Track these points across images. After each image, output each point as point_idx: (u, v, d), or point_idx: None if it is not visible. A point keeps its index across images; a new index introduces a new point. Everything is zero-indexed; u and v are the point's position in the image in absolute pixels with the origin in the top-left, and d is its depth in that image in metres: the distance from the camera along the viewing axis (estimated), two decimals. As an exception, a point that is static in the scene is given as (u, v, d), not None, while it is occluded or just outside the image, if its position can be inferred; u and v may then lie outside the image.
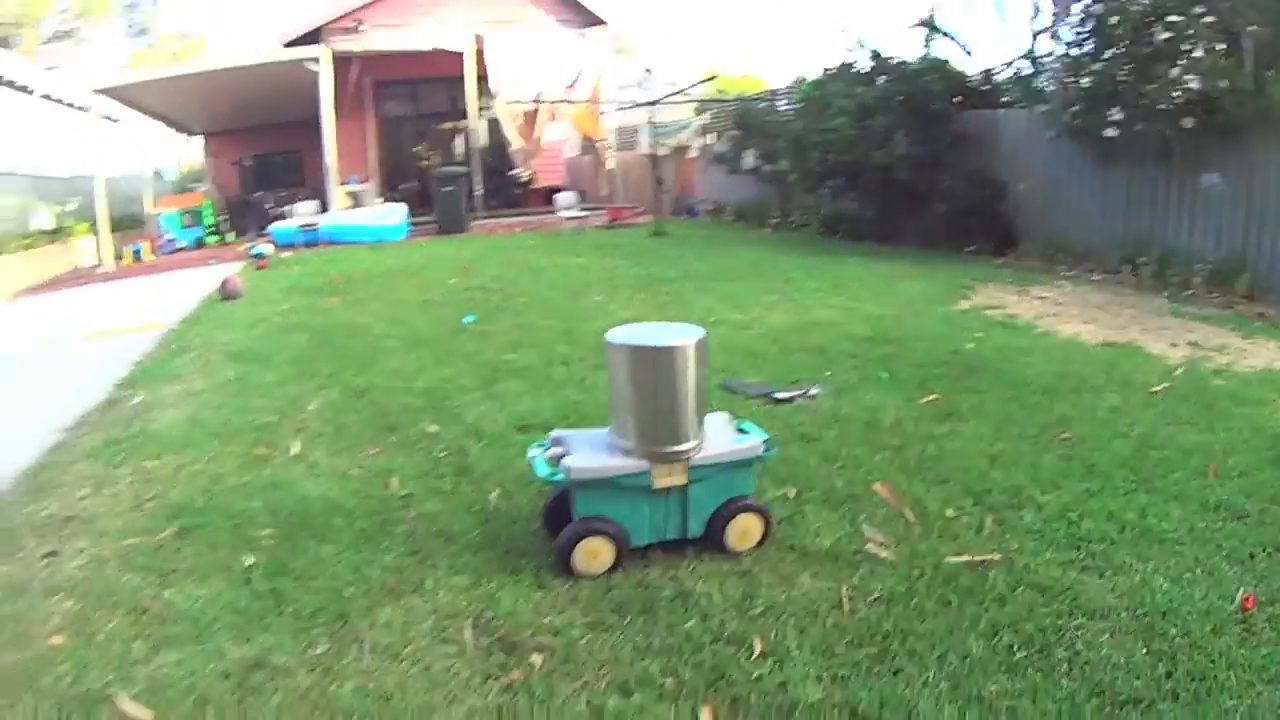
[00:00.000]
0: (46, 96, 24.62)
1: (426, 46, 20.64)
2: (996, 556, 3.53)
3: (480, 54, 20.70)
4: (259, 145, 28.42)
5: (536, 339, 7.62)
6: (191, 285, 13.34)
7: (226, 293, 11.17)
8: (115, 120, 26.65)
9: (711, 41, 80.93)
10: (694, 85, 24.92)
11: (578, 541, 3.37)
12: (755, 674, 2.78)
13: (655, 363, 3.35)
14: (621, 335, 3.46)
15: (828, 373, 6.27)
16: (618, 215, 19.98)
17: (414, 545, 3.78)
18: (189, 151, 36.45)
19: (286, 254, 16.71)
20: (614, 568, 3.40)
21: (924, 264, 12.00)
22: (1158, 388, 6.06)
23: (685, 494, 3.45)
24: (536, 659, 2.90)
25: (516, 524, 3.93)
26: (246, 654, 3.01)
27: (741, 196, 19.87)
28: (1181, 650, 2.94)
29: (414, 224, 19.73)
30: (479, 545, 3.75)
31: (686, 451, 3.39)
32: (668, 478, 3.38)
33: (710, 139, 21.19)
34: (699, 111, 22.31)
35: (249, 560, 3.70)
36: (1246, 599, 3.30)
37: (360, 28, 20.66)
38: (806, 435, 4.99)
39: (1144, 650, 2.94)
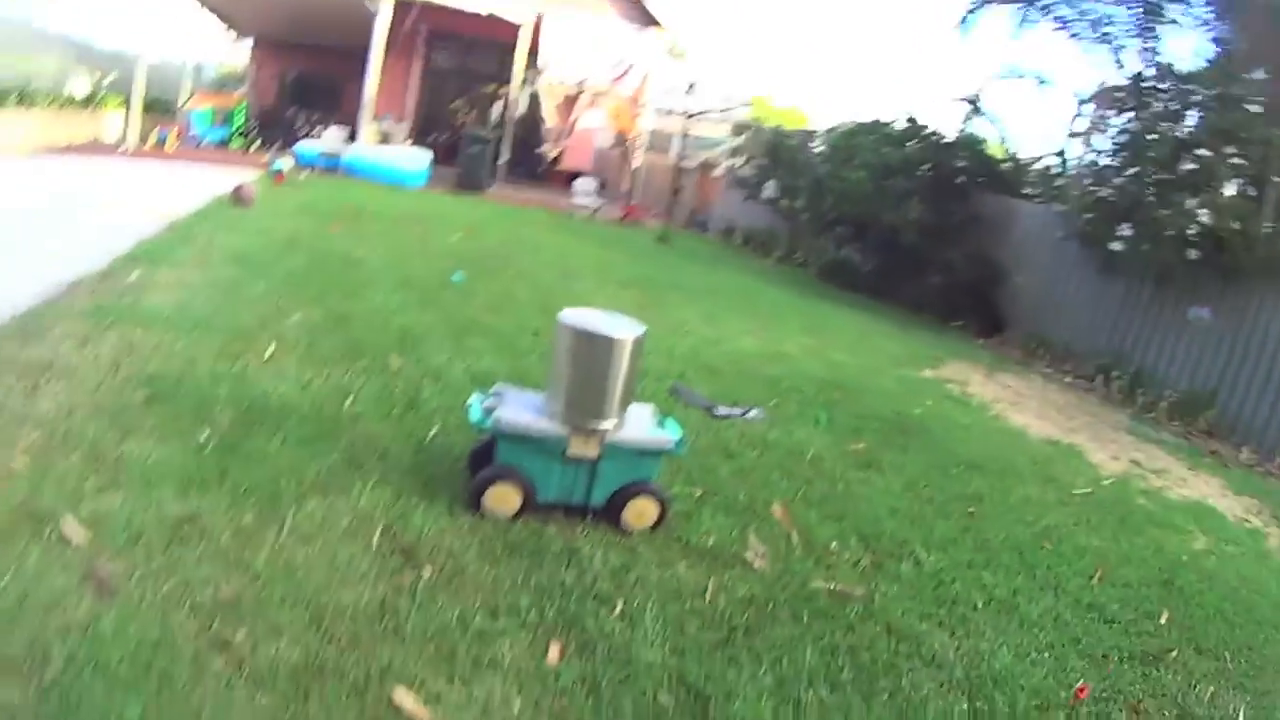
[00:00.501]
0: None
1: (484, 11, 20.94)
2: (860, 592, 3.88)
3: (537, 29, 20.99)
4: (304, 63, 28.55)
5: (515, 308, 8.01)
6: (207, 183, 13.67)
7: (239, 199, 11.52)
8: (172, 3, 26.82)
9: (768, 68, 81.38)
10: (735, 107, 25.32)
11: (490, 484, 3.79)
12: (608, 629, 3.18)
13: (593, 347, 3.77)
14: (572, 317, 3.88)
15: (773, 402, 6.60)
16: (631, 213, 20.34)
17: (351, 456, 4.19)
18: (233, 53, 36.47)
19: (305, 175, 17.03)
20: (518, 515, 3.81)
21: (906, 328, 12.37)
22: (1080, 491, 6.30)
23: (595, 467, 3.86)
24: (427, 570, 3.32)
25: (446, 460, 4.34)
26: (182, 510, 3.41)
27: (754, 223, 20.25)
28: (1001, 715, 3.22)
29: (434, 174, 19.99)
30: (408, 469, 4.17)
31: (603, 429, 3.81)
32: (582, 448, 3.80)
33: (738, 162, 21.59)
34: (734, 133, 22.69)
35: (204, 434, 4.10)
36: (1081, 689, 3.55)
37: None
38: (729, 450, 5.34)
39: (964, 705, 3.22)
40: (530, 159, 23.32)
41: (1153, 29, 13.30)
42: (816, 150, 18.35)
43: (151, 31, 21.45)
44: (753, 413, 6.17)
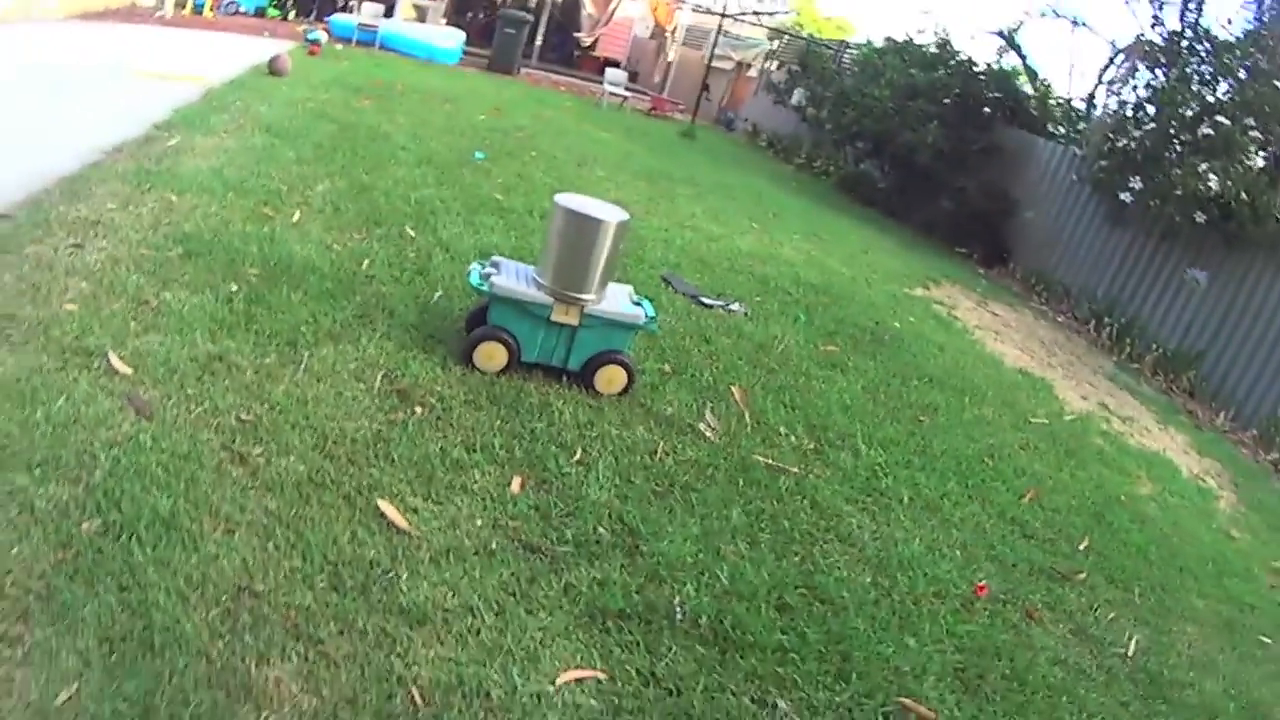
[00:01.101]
0: None
1: None
2: (795, 470, 4.38)
3: None
4: None
5: (529, 189, 8.43)
6: (243, 51, 13.96)
7: (274, 69, 11.88)
8: None
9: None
10: (776, 10, 25.22)
11: (481, 341, 4.32)
12: (565, 470, 3.73)
13: (581, 227, 4.25)
14: (566, 199, 4.36)
15: (758, 299, 7.03)
16: (659, 106, 20.53)
17: (363, 311, 4.71)
18: None
19: (339, 46, 17.23)
20: (503, 371, 4.35)
21: (910, 246, 12.66)
22: (1037, 420, 6.62)
23: (574, 334, 4.37)
24: (419, 410, 3.87)
25: (446, 320, 4.86)
26: (213, 349, 3.95)
27: (779, 128, 20.40)
28: (900, 595, 3.64)
29: (467, 53, 20.15)
30: (411, 325, 4.70)
31: (584, 300, 4.31)
32: (564, 315, 4.31)
33: (772, 65, 21.62)
34: (771, 37, 22.70)
35: (234, 287, 4.62)
36: (981, 587, 3.91)
37: None
38: (705, 336, 5.81)
39: (868, 579, 3.68)
40: (565, 44, 23.40)
41: None
42: (847, 62, 18.45)
43: None
44: (735, 305, 6.62)
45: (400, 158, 8.39)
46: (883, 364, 6.49)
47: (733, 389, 5.08)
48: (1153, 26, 12.86)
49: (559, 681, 2.57)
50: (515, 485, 3.50)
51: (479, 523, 3.21)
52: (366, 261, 5.47)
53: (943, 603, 3.72)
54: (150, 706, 2.18)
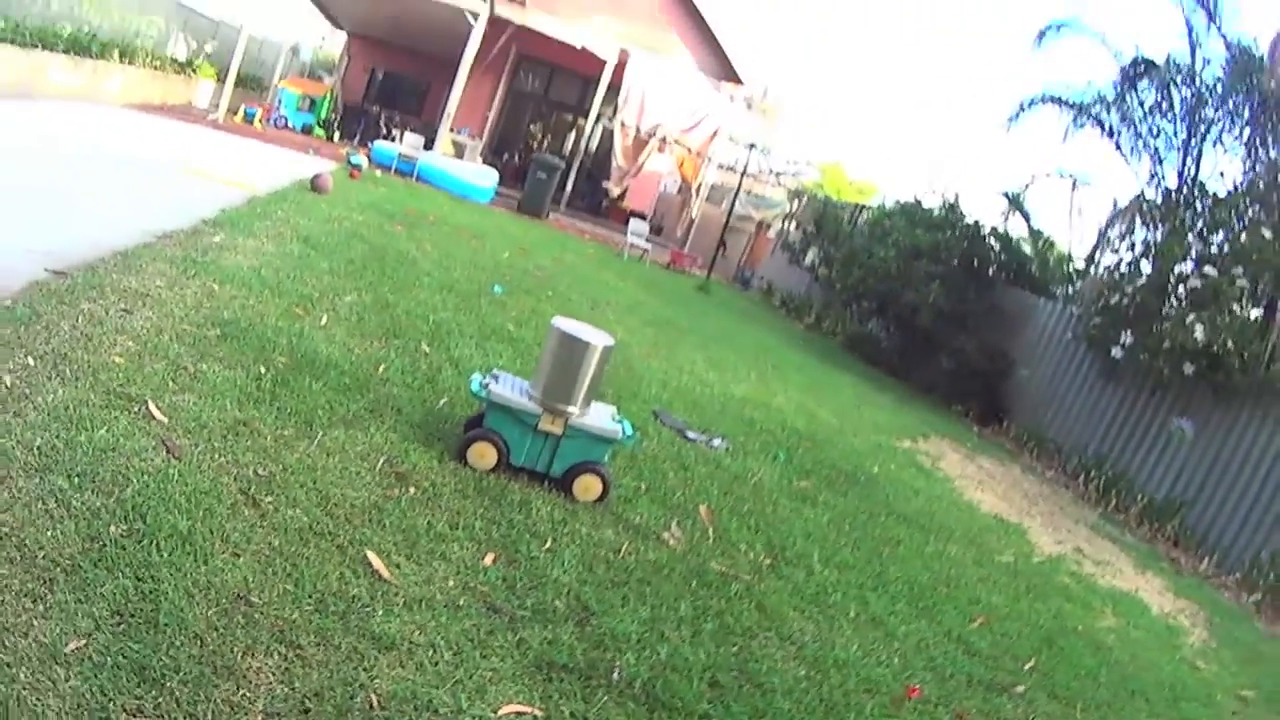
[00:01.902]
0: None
1: (576, 43, 21.91)
2: (748, 579, 4.79)
3: (621, 68, 21.99)
4: (394, 62, 29.47)
5: (540, 324, 8.96)
6: (288, 165, 14.88)
7: (316, 186, 12.66)
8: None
9: (852, 137, 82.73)
10: (798, 171, 26.40)
11: (475, 441, 4.82)
12: (534, 554, 4.16)
13: (571, 347, 4.79)
14: (560, 322, 4.91)
15: (741, 438, 7.48)
16: (678, 259, 21.32)
17: (374, 405, 5.22)
18: (329, 40, 37.62)
19: (378, 173, 18.06)
20: (493, 470, 4.83)
21: (906, 404, 13.14)
22: (1003, 559, 6.91)
23: (558, 443, 4.86)
24: (413, 490, 4.34)
25: (447, 423, 5.36)
26: (239, 415, 4.45)
27: (793, 287, 21.12)
28: (830, 687, 3.96)
29: (500, 193, 21.01)
30: (415, 422, 5.19)
31: (569, 412, 4.81)
32: (550, 425, 4.81)
33: (790, 226, 22.53)
34: (790, 197, 23.74)
35: (263, 369, 5.14)
36: (913, 689, 4.17)
37: (525, 1, 21.88)
38: (684, 464, 6.26)
39: (801, 672, 4.01)
40: (594, 192, 24.41)
41: (1197, 147, 13.95)
42: (860, 224, 19.25)
43: (256, 6, 22.51)
44: (718, 441, 7.10)
45: (424, 282, 8.98)
46: (853, 501, 6.87)
47: (700, 508, 5.51)
48: (1151, 183, 13.62)
49: (500, 712, 2.98)
50: (488, 559, 3.95)
51: (451, 583, 3.65)
52: (382, 366, 5.99)
53: (872, 698, 4.02)
54: (146, 666, 2.61)
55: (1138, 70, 14.45)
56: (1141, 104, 14.45)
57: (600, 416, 5.01)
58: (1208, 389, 10.76)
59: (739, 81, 24.09)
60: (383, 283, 8.30)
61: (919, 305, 15.01)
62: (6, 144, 9.87)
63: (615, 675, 3.36)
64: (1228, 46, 13.46)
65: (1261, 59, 12.93)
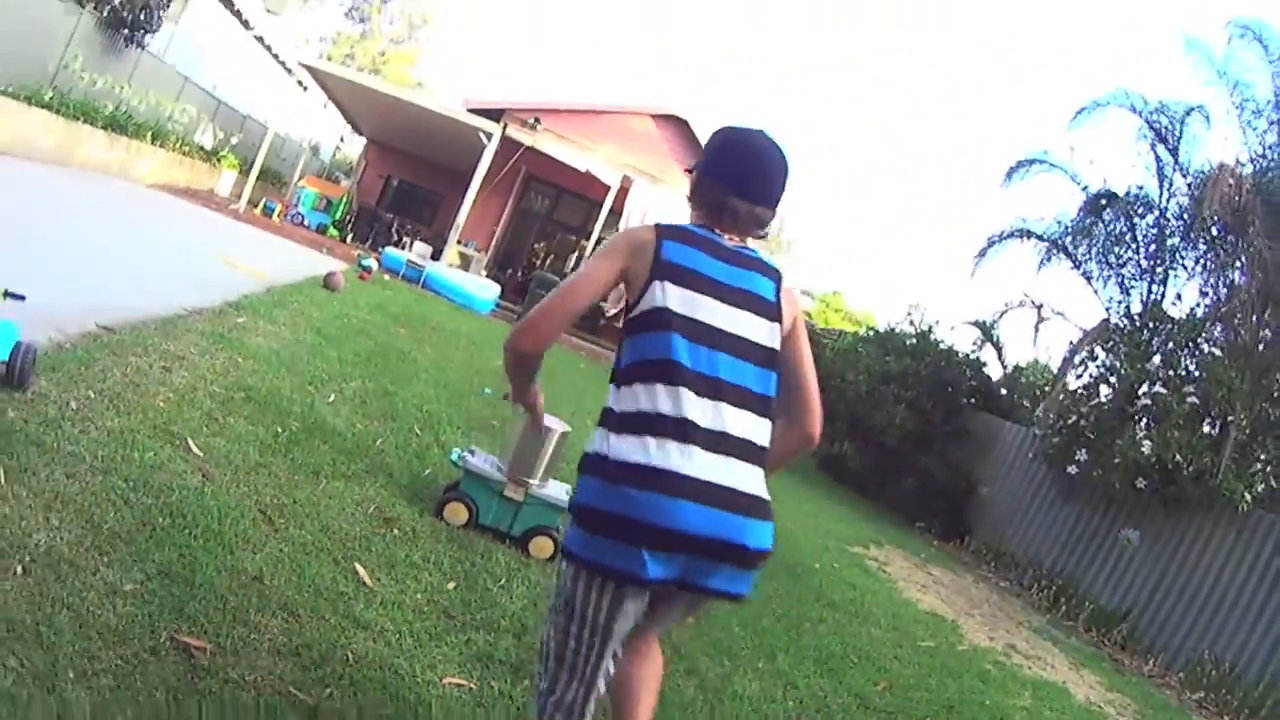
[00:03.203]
0: (259, 39, 27.52)
1: (582, 167, 23.23)
2: (690, 618, 5.57)
3: (624, 193, 23.18)
4: (410, 172, 30.77)
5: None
6: (302, 262, 15.98)
7: (329, 283, 13.72)
8: (304, 89, 29.43)
9: (855, 267, 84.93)
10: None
11: (450, 501, 5.76)
12: (489, 587, 5.00)
13: (533, 431, 5.75)
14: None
15: None
16: (662, 379, 22.23)
17: (370, 468, 6.15)
18: (348, 142, 38.96)
19: (386, 277, 19.10)
20: (464, 526, 5.74)
21: (868, 518, 13.87)
22: (926, 644, 7.28)
23: (519, 508, 5.79)
24: (396, 531, 5.26)
25: (429, 488, 6.27)
26: (259, 459, 5.39)
27: (773, 410, 22.01)
28: (724, 711, 4.71)
29: (500, 306, 22.09)
30: (404, 485, 6.12)
31: (529, 483, 5.75)
32: (513, 493, 5.74)
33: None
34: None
35: (279, 429, 6.09)
36: None
37: (536, 126, 23.25)
38: None
39: (699, 695, 4.71)
40: (592, 312, 25.42)
41: (1163, 273, 14.91)
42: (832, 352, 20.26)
43: (282, 106, 23.73)
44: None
45: (421, 378, 9.94)
46: (785, 588, 7.40)
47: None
48: (1116, 308, 14.43)
49: (444, 680, 3.87)
50: (450, 585, 4.84)
51: (419, 596, 4.55)
52: (379, 440, 6.92)
53: None
54: (183, 608, 3.50)
55: (1100, 203, 15.45)
56: (1107, 234, 15.39)
57: (556, 490, 5.92)
58: (1159, 502, 11.35)
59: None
60: (384, 374, 9.27)
61: (886, 426, 15.82)
62: (54, 209, 10.95)
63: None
64: (1185, 176, 14.52)
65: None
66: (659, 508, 2.35)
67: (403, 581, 4.66)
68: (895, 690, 5.93)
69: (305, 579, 4.20)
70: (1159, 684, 9.56)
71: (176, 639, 3.30)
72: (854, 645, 6.58)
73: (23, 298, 4.90)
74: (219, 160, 25.33)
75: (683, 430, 2.40)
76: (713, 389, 2.47)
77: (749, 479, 2.50)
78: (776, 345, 2.66)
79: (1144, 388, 12.38)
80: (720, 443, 2.45)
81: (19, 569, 3.28)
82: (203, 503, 4.44)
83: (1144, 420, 11.94)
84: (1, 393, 4.63)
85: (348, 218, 26.00)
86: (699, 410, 2.44)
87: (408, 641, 4.06)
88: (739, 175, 2.75)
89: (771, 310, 2.68)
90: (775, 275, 2.76)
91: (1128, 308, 15.11)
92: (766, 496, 2.55)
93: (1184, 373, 12.32)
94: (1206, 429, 11.68)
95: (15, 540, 3.44)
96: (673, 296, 2.53)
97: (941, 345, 17.57)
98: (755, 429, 2.55)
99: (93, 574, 3.47)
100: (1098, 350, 14.29)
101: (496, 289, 22.27)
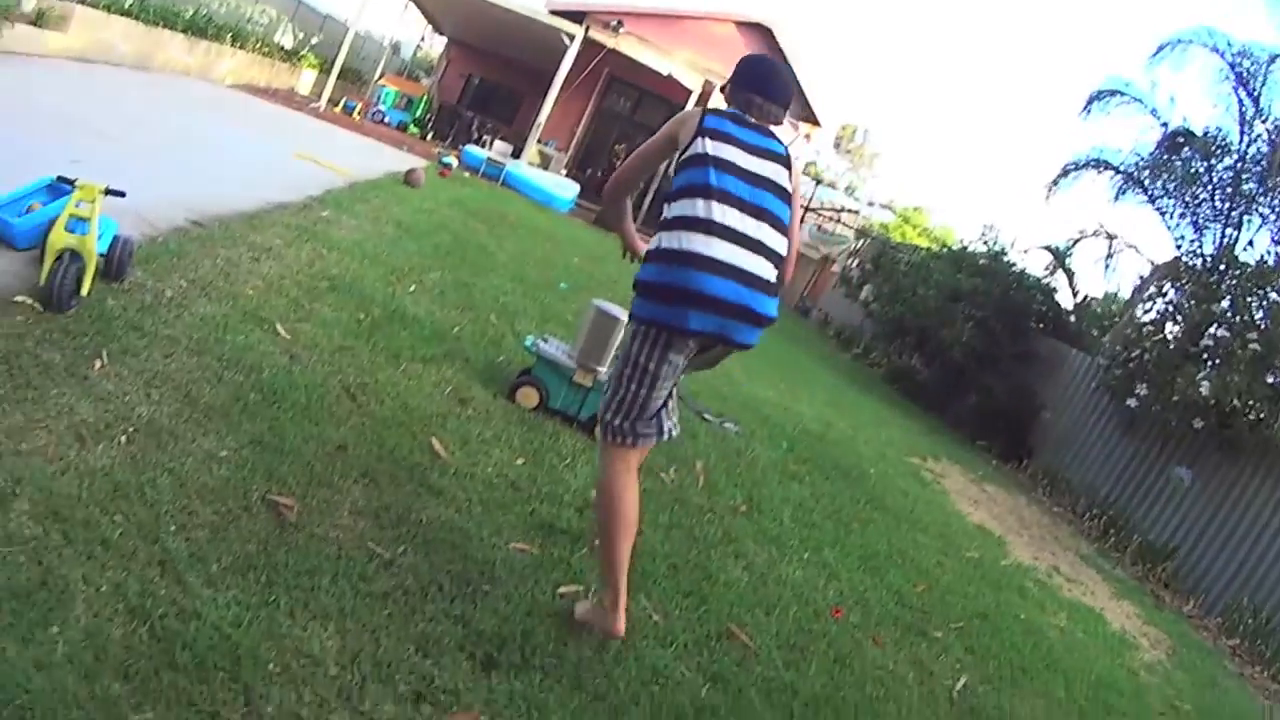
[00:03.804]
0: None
1: (664, 70, 23.21)
2: (723, 514, 5.79)
3: (705, 97, 23.07)
4: (491, 72, 30.78)
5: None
6: (383, 159, 16.22)
7: (409, 180, 13.99)
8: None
9: (940, 182, 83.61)
10: (867, 213, 27.32)
11: (523, 385, 6.05)
12: (555, 464, 5.31)
13: (603, 320, 5.97)
14: (597, 301, 6.12)
15: (754, 428, 8.52)
16: (741, 284, 22.38)
17: (448, 353, 6.45)
18: (429, 42, 38.69)
19: (466, 174, 19.26)
20: (534, 409, 6.04)
21: (930, 432, 14.00)
22: (969, 555, 7.39)
23: (587, 393, 6.06)
24: (470, 411, 5.56)
25: (504, 372, 6.56)
26: (343, 343, 5.71)
27: (848, 321, 22.12)
28: (767, 590, 4.96)
29: (579, 205, 22.26)
30: (479, 370, 6.42)
31: (597, 370, 6.01)
32: (582, 379, 6.01)
33: (853, 263, 23.51)
34: (857, 236, 24.76)
35: (362, 316, 6.40)
36: (838, 610, 4.93)
37: (618, 28, 23.19)
38: (693, 433, 7.25)
39: (745, 578, 4.97)
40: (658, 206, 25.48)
41: (1237, 217, 14.77)
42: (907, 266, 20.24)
43: (362, 6, 23.68)
44: (730, 424, 8.19)
45: (498, 271, 10.23)
46: (840, 487, 7.64)
47: (697, 463, 6.61)
48: (1188, 247, 14.32)
49: (509, 545, 4.17)
50: (519, 461, 5.15)
51: (489, 470, 4.86)
52: (457, 327, 7.22)
53: (800, 607, 4.80)
54: (273, 472, 3.83)
55: (1178, 141, 15.22)
56: (1184, 172, 15.19)
57: (625, 376, 6.18)
58: (1215, 444, 11.37)
59: (816, 124, 25.13)
60: (463, 267, 9.56)
61: (953, 343, 15.89)
62: (139, 111, 11.30)
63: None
64: (1265, 123, 14.25)
65: None
66: (694, 279, 3.29)
67: (475, 456, 4.96)
68: (933, 592, 6.07)
69: (385, 450, 4.51)
70: (1196, 625, 9.52)
71: (267, 498, 3.64)
72: (899, 548, 6.71)
73: (123, 194, 5.20)
74: (299, 60, 25.56)
75: (708, 228, 3.34)
76: (737, 204, 3.40)
77: (761, 267, 3.39)
78: (788, 186, 3.58)
79: (1209, 329, 12.25)
80: (739, 239, 3.36)
81: (123, 439, 3.62)
82: (291, 380, 4.77)
83: (1207, 361, 11.84)
84: (102, 283, 4.96)
85: (428, 116, 26.11)
86: (721, 215, 3.36)
87: (477, 509, 4.37)
88: (760, 80, 3.78)
89: (784, 162, 3.60)
90: (785, 147, 3.69)
91: (1200, 248, 14.92)
92: (775, 281, 3.44)
93: (1250, 319, 12.17)
94: (1269, 380, 11.51)
95: (120, 413, 3.78)
96: (709, 146, 3.48)
97: (1013, 267, 17.49)
98: (769, 235, 3.45)
99: (191, 442, 3.81)
100: (1167, 287, 14.17)
101: (576, 188, 22.32)
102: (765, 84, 3.76)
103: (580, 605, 3.78)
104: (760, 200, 3.46)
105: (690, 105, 23.32)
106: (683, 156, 3.57)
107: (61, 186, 5.27)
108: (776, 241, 3.47)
